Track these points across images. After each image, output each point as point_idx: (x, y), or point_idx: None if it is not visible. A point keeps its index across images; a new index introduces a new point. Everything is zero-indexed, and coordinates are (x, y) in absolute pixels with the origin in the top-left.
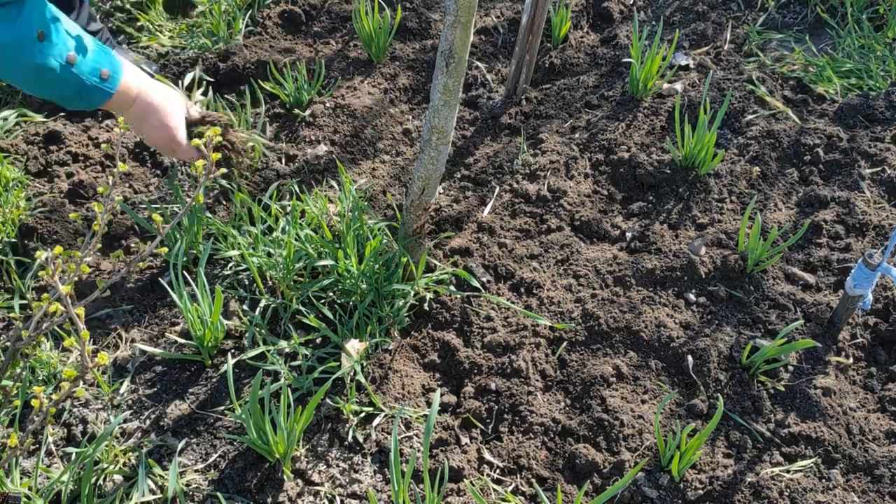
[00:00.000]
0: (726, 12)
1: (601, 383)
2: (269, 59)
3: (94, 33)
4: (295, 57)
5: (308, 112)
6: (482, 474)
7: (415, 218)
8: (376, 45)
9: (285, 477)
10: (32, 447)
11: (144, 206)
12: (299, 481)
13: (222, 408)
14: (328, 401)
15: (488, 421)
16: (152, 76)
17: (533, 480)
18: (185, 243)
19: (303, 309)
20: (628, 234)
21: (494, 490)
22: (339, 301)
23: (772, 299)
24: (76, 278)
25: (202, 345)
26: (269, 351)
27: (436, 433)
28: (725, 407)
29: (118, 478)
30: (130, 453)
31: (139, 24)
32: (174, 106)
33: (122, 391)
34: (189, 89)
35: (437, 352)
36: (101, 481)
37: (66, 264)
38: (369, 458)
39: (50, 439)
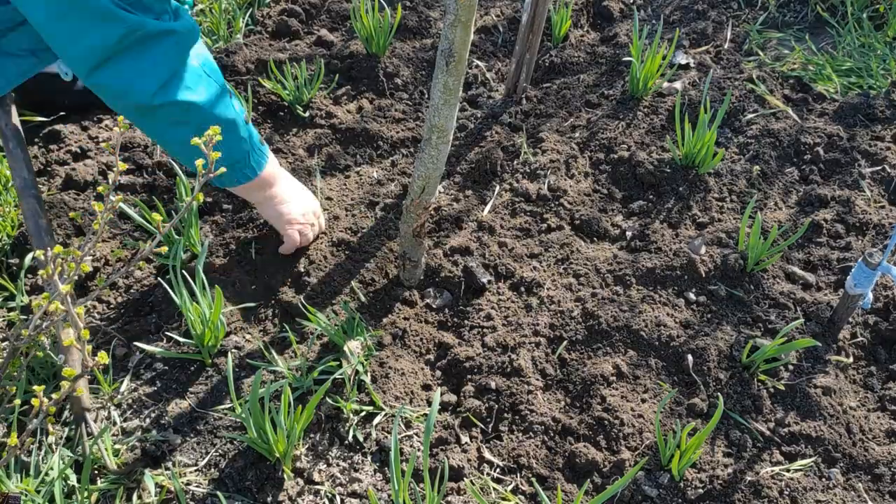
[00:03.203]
0: (726, 11)
1: (601, 382)
2: (270, 58)
3: None
4: (295, 56)
5: (307, 113)
6: (482, 473)
7: (415, 217)
8: (376, 44)
9: (285, 476)
10: (32, 446)
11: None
12: (299, 480)
13: (222, 407)
14: (328, 400)
15: (488, 420)
16: None
17: (533, 479)
18: (182, 243)
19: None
20: (628, 233)
21: (494, 489)
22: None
23: (772, 298)
24: (76, 277)
25: (202, 344)
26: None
27: (436, 432)
28: (725, 406)
29: (118, 477)
30: (130, 452)
31: None
32: (310, 197)
33: (122, 390)
34: None
35: (437, 351)
36: (101, 481)
37: (65, 263)
38: (369, 457)
39: (51, 438)
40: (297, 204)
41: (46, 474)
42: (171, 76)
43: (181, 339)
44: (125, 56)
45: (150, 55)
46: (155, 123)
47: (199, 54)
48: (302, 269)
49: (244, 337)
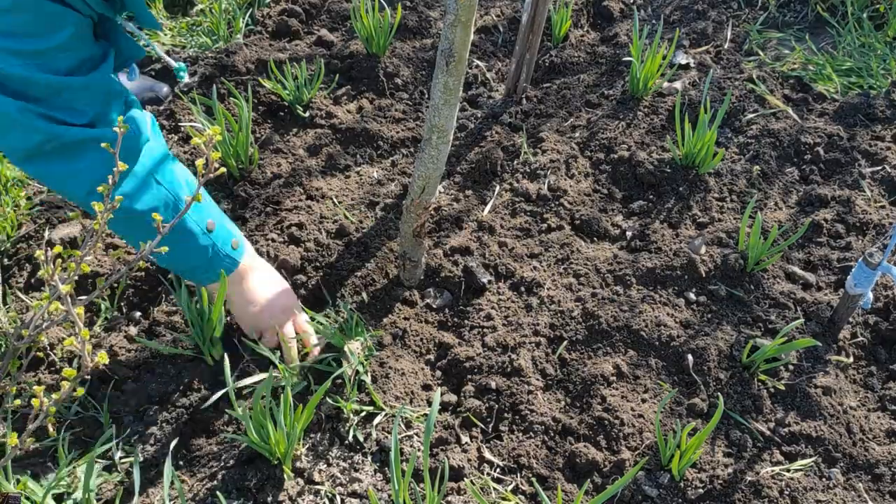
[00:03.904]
0: (726, 11)
1: (601, 382)
2: (270, 57)
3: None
4: (295, 56)
5: (307, 113)
6: (482, 473)
7: (415, 217)
8: (376, 44)
9: (285, 476)
10: (32, 446)
11: None
12: (300, 480)
13: (222, 406)
14: (328, 400)
15: (488, 420)
16: (161, 99)
17: (533, 479)
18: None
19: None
20: (628, 233)
21: (495, 489)
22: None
23: (772, 298)
24: (76, 277)
25: (202, 342)
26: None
27: (436, 432)
28: (725, 406)
29: (118, 477)
30: (130, 449)
31: None
32: (284, 294)
33: (121, 388)
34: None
35: (437, 351)
36: (101, 481)
37: (65, 263)
38: (370, 457)
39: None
40: (268, 307)
41: (46, 476)
42: (97, 182)
43: (181, 337)
44: (51, 158)
45: (77, 160)
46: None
47: (153, 156)
48: (302, 269)
49: (244, 337)
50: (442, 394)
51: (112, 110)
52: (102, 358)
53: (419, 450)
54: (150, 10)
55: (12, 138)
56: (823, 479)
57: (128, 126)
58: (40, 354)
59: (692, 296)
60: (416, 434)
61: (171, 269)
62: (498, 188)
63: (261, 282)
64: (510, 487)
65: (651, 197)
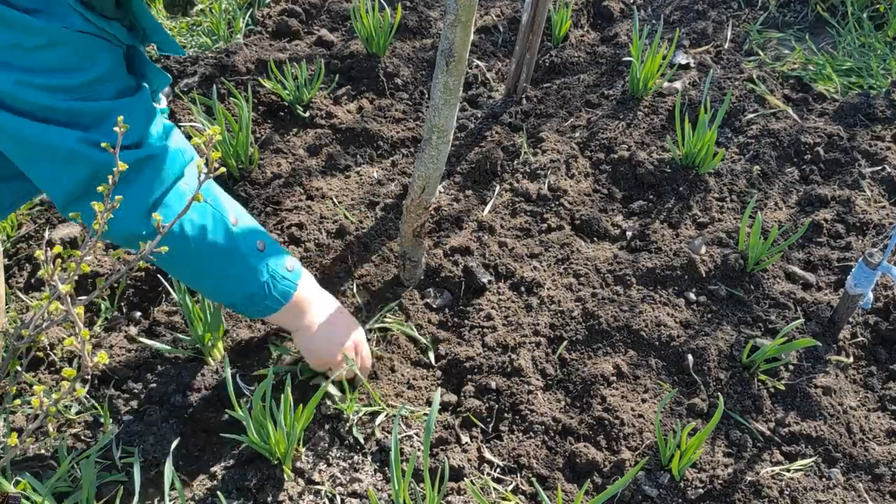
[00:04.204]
0: (726, 11)
1: (601, 382)
2: (270, 57)
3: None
4: (295, 56)
5: (307, 113)
6: (482, 473)
7: (415, 217)
8: (376, 44)
9: (285, 476)
10: (32, 446)
11: None
12: (300, 480)
13: (223, 406)
14: (328, 400)
15: (488, 420)
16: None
17: (533, 479)
18: None
19: None
20: (628, 233)
21: (495, 489)
22: None
23: (772, 298)
24: (76, 277)
25: (202, 342)
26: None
27: (436, 432)
28: (726, 406)
29: (118, 477)
30: (130, 449)
31: None
32: (349, 323)
33: (122, 388)
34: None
35: (437, 351)
36: (101, 480)
37: (65, 263)
38: (370, 457)
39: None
40: (337, 342)
41: (45, 476)
42: (153, 204)
43: (181, 337)
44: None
45: (127, 186)
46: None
47: (199, 181)
48: None
49: (244, 337)
50: (442, 394)
51: (153, 131)
52: (102, 358)
53: (419, 450)
54: (170, 34)
55: (66, 179)
56: (823, 479)
57: (128, 126)
58: (40, 354)
59: (692, 296)
60: (417, 434)
61: (223, 302)
62: (498, 188)
63: (324, 310)
64: (510, 487)
65: (651, 197)
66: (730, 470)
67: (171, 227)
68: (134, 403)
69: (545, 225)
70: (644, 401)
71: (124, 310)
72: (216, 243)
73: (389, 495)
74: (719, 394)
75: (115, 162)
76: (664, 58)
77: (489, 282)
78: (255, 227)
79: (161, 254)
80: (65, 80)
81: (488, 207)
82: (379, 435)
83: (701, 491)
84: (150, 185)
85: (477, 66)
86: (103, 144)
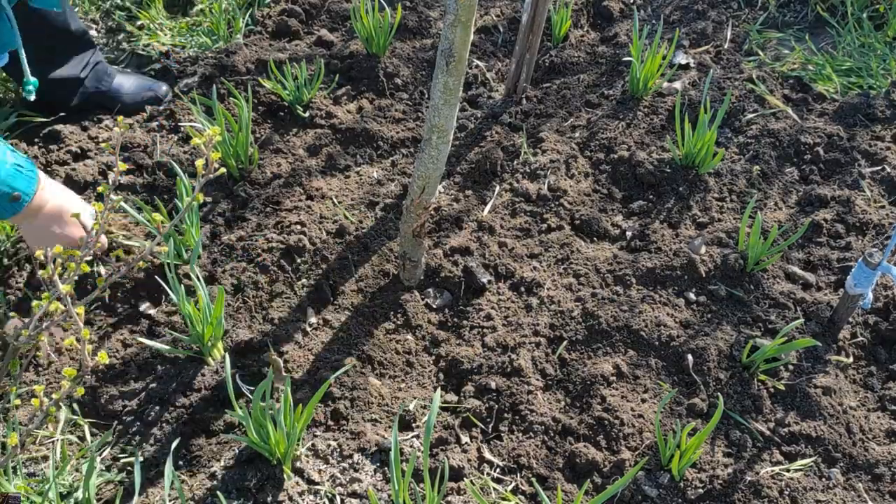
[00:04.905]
0: (726, 11)
1: (601, 382)
2: (270, 57)
3: (79, 37)
4: (295, 56)
5: (307, 113)
6: (482, 473)
7: (415, 217)
8: (376, 44)
9: (285, 476)
10: (32, 446)
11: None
12: (299, 480)
13: (223, 406)
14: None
15: (488, 420)
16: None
17: (533, 479)
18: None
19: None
20: (628, 233)
21: (494, 489)
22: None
23: (772, 298)
24: (76, 277)
25: (202, 342)
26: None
27: (436, 432)
28: (725, 406)
29: (118, 477)
30: (130, 449)
31: (139, 22)
32: (73, 223)
33: (122, 388)
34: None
35: (437, 351)
36: (101, 480)
37: (65, 263)
38: (370, 458)
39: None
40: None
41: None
42: None
43: (181, 337)
44: None
45: None
46: None
47: None
48: (301, 269)
49: (244, 337)
50: (442, 394)
51: None
52: (103, 358)
53: (419, 450)
54: None
55: None
56: (823, 479)
57: None
58: (40, 354)
59: (692, 296)
60: (417, 434)
61: None
62: (498, 188)
63: (50, 216)
64: (510, 487)
65: (651, 197)
66: (730, 470)
67: None
68: (134, 403)
69: (545, 225)
70: (644, 401)
71: (125, 310)
72: None
73: (389, 495)
74: (719, 394)
75: None
76: (664, 58)
77: (489, 282)
78: None
79: None
80: None
81: (488, 207)
82: (379, 435)
83: (701, 491)
84: None
85: (477, 66)
86: None
